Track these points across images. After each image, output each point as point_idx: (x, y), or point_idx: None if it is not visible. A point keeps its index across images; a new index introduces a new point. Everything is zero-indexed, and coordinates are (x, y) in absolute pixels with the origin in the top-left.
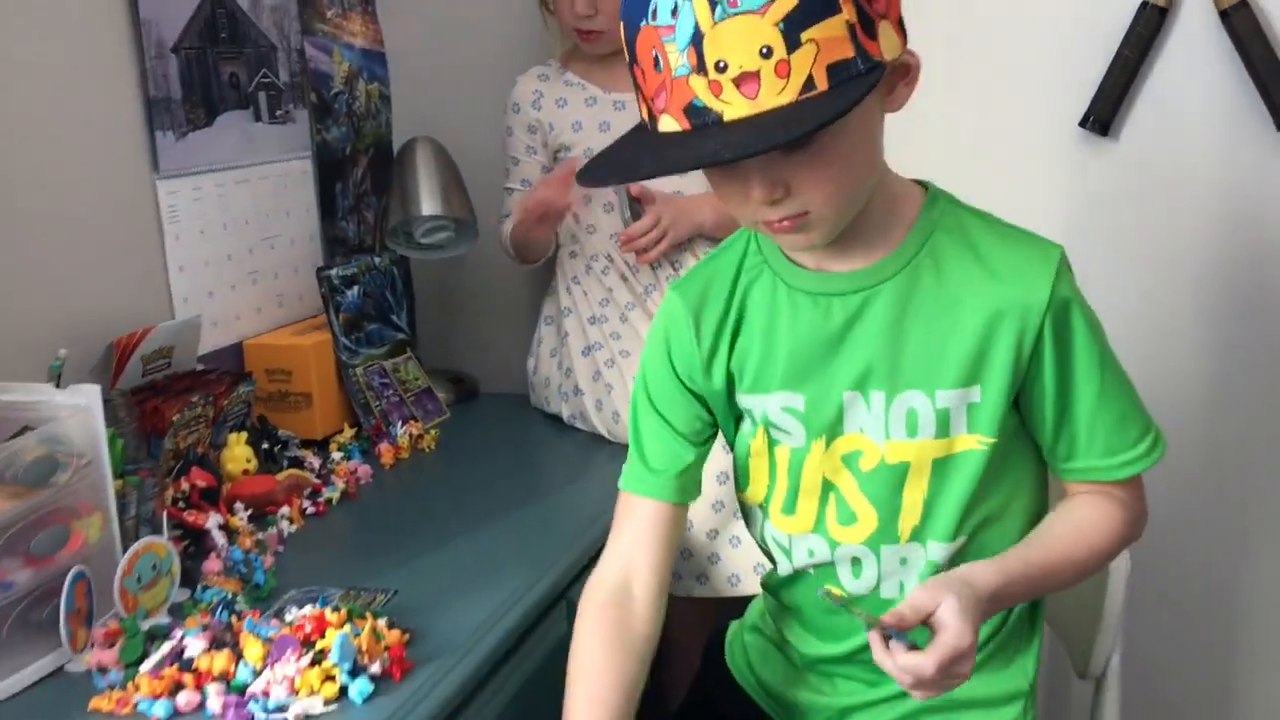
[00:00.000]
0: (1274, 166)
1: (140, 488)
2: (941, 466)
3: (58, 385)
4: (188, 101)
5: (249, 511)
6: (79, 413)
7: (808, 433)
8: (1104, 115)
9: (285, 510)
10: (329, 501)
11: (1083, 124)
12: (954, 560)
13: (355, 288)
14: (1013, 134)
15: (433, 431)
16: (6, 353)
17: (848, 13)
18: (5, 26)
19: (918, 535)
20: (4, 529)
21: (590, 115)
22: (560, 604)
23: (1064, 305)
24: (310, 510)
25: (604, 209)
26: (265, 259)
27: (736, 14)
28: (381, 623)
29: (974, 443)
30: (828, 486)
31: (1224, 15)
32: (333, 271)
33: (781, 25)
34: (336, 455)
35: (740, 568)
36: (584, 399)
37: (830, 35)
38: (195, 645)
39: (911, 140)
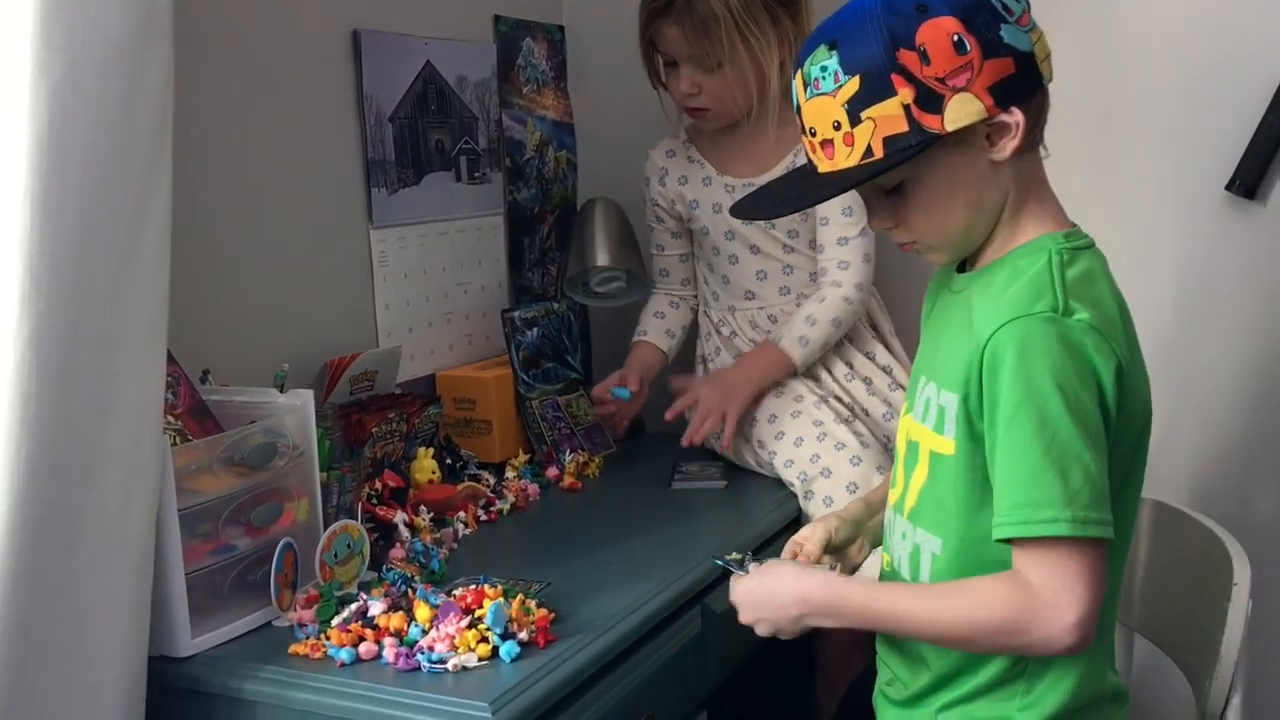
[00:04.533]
0: None
1: (341, 481)
2: (934, 460)
3: (280, 391)
4: (399, 163)
5: (430, 514)
6: (295, 411)
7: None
8: (1249, 180)
9: (462, 515)
10: (500, 512)
11: (1228, 188)
12: (946, 561)
13: (535, 329)
14: (1157, 194)
15: (597, 460)
16: (244, 364)
17: (904, 95)
18: (255, 96)
19: (914, 517)
20: (230, 500)
21: (705, 195)
22: (695, 607)
23: (999, 350)
24: (483, 518)
25: (729, 260)
26: (458, 302)
27: (817, 95)
28: (532, 601)
29: (949, 446)
30: (903, 446)
31: None
32: (515, 313)
33: (846, 105)
34: (510, 475)
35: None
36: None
37: (887, 114)
38: (376, 606)
39: (1062, 193)
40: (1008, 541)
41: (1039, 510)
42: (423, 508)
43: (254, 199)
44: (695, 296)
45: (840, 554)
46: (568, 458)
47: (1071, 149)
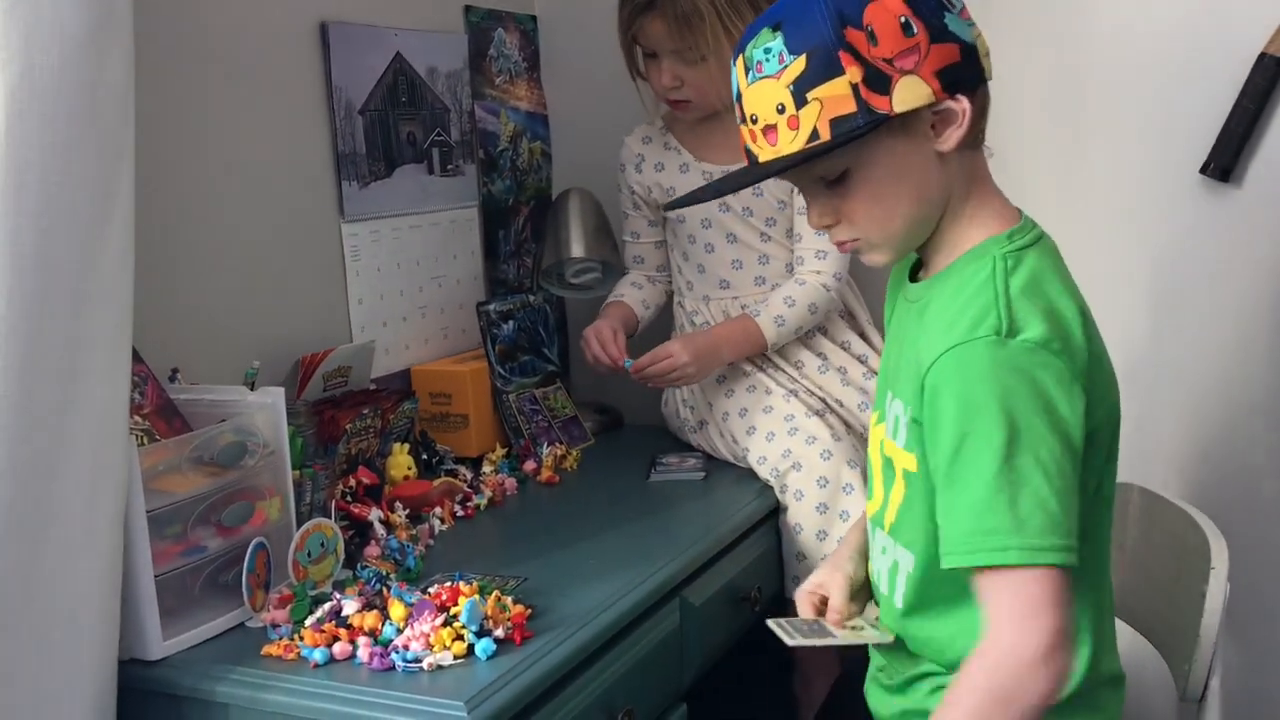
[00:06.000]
0: None
1: (315, 479)
2: (907, 477)
3: (251, 389)
4: (370, 156)
5: (406, 511)
6: (266, 409)
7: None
8: (1224, 162)
9: (438, 511)
10: (477, 507)
11: (1203, 171)
12: (917, 575)
13: (511, 322)
14: (1131, 178)
15: (575, 454)
16: (214, 363)
17: (852, 74)
18: (222, 90)
19: (895, 533)
20: (200, 501)
21: (683, 182)
22: (673, 600)
23: (940, 379)
24: (460, 514)
25: (705, 249)
26: (433, 295)
27: (760, 79)
28: (508, 598)
29: (914, 462)
30: (878, 460)
31: None
32: (491, 306)
33: (792, 86)
34: (487, 469)
35: None
36: (709, 429)
37: (834, 94)
38: (350, 605)
39: (1028, 182)
40: (966, 570)
41: (988, 538)
42: (398, 504)
43: (223, 195)
44: (669, 282)
45: (863, 596)
46: (545, 451)
47: (1041, 135)
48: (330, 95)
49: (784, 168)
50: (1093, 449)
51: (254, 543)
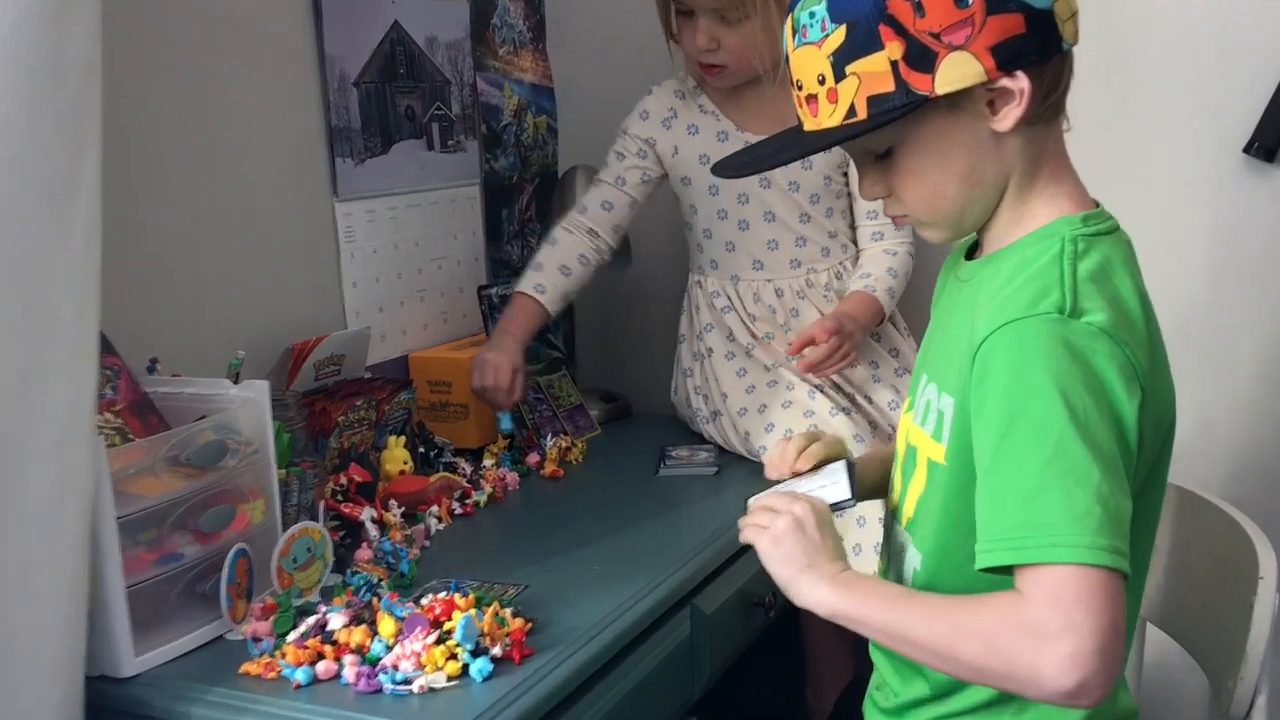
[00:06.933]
0: None
1: (302, 478)
2: (931, 470)
3: (235, 381)
4: (366, 131)
5: (401, 509)
6: (249, 405)
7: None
8: (1269, 142)
9: (435, 509)
10: (477, 504)
11: (1246, 150)
12: (924, 579)
13: None
14: (1175, 158)
15: (581, 445)
16: (198, 351)
17: (892, 50)
18: (204, 60)
19: (914, 529)
20: (177, 505)
21: (721, 151)
22: (684, 608)
23: (993, 356)
24: (458, 511)
25: (739, 226)
26: (433, 278)
27: (804, 44)
28: (507, 611)
29: (941, 455)
30: (902, 449)
31: None
32: (493, 290)
33: (831, 57)
34: (488, 463)
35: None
36: (722, 421)
37: (872, 70)
38: (337, 620)
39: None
40: (1000, 571)
41: (1037, 533)
42: (393, 502)
43: (206, 172)
44: (611, 249)
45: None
46: (550, 443)
47: (1082, 116)
48: (323, 66)
49: (821, 146)
50: (1141, 454)
51: (235, 549)
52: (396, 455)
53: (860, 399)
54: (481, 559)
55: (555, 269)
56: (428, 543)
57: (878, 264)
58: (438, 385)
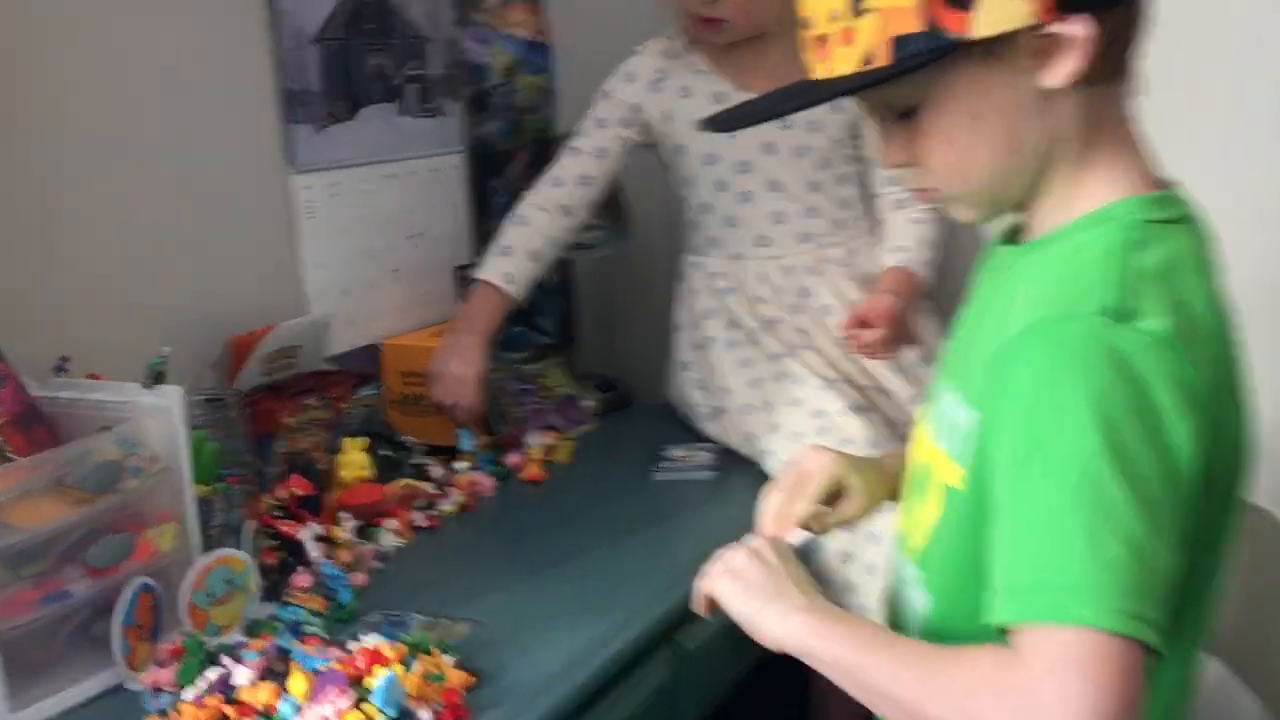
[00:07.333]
0: None
1: (228, 495)
2: (948, 495)
3: (156, 383)
4: (329, 94)
5: (356, 523)
6: (160, 414)
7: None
8: None
9: (392, 523)
10: (444, 515)
11: None
12: (935, 626)
13: None
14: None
15: (568, 444)
16: (125, 348)
17: None
18: (129, 11)
19: (926, 564)
20: (67, 534)
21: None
22: (661, 650)
23: (1017, 362)
24: (422, 524)
25: (739, 199)
26: (409, 257)
27: None
28: (448, 660)
29: (958, 479)
30: (912, 466)
31: None
32: (474, 270)
33: None
34: (460, 466)
35: (873, 599)
36: (724, 420)
37: (896, 5)
38: (242, 674)
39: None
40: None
41: (1047, 585)
42: (345, 515)
43: (135, 141)
44: (578, 235)
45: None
46: (533, 442)
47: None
48: (273, 20)
49: (831, 95)
50: (1204, 497)
51: (134, 586)
52: (354, 460)
53: (876, 394)
54: (436, 584)
55: (525, 254)
56: (380, 564)
57: (908, 234)
58: (410, 377)
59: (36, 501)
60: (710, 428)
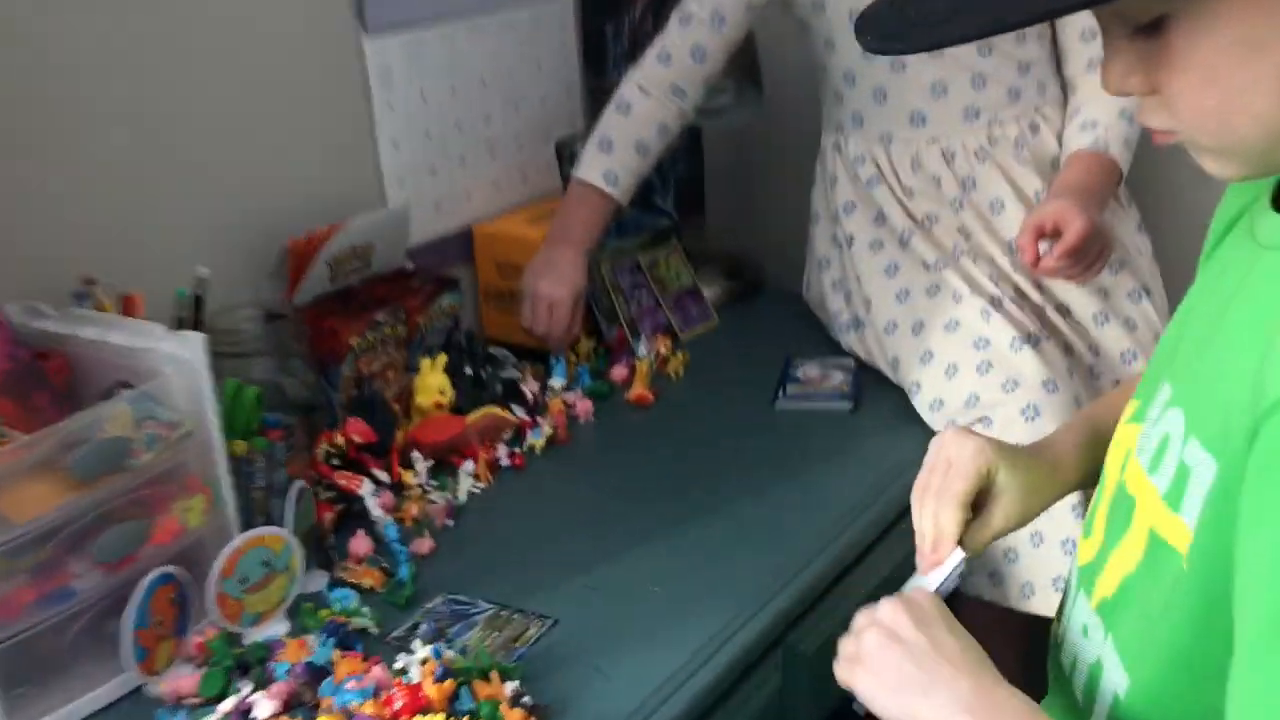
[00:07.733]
0: None
1: (270, 452)
2: (1153, 546)
3: (195, 313)
4: None
5: (429, 463)
6: (182, 368)
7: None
8: None
9: (470, 466)
10: (531, 449)
11: None
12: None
13: None
14: None
15: (682, 354)
16: (163, 258)
17: None
18: None
19: (1109, 615)
20: (71, 522)
21: None
22: (773, 653)
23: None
24: (506, 462)
25: (891, 68)
26: (506, 125)
27: None
28: (506, 690)
29: (1184, 535)
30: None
31: None
32: (578, 146)
33: None
34: (556, 384)
35: (1038, 576)
36: (865, 334)
37: None
38: (264, 708)
39: None
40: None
41: None
42: (417, 455)
43: (171, 15)
44: (693, 118)
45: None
46: (643, 352)
47: None
48: None
49: (1033, 14)
50: None
51: (151, 576)
52: (430, 383)
53: (1060, 322)
54: (512, 552)
55: (629, 148)
56: (450, 521)
57: (1105, 107)
58: (506, 268)
59: (31, 485)
60: (849, 339)
